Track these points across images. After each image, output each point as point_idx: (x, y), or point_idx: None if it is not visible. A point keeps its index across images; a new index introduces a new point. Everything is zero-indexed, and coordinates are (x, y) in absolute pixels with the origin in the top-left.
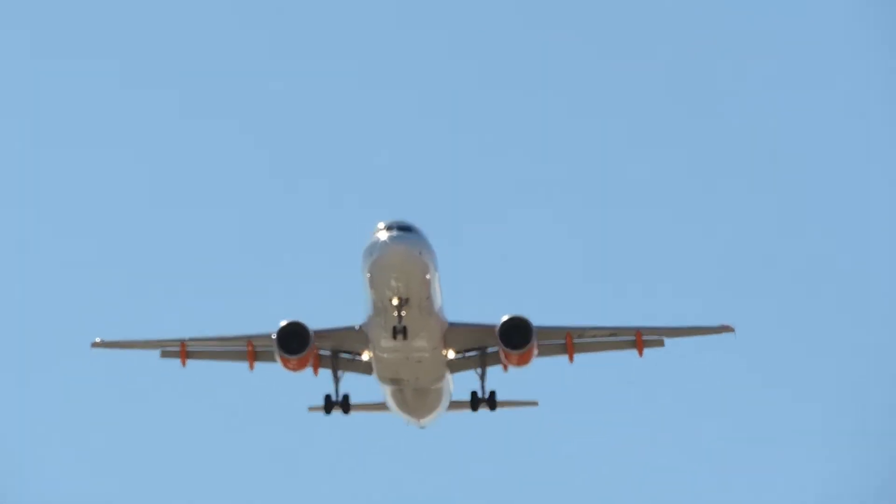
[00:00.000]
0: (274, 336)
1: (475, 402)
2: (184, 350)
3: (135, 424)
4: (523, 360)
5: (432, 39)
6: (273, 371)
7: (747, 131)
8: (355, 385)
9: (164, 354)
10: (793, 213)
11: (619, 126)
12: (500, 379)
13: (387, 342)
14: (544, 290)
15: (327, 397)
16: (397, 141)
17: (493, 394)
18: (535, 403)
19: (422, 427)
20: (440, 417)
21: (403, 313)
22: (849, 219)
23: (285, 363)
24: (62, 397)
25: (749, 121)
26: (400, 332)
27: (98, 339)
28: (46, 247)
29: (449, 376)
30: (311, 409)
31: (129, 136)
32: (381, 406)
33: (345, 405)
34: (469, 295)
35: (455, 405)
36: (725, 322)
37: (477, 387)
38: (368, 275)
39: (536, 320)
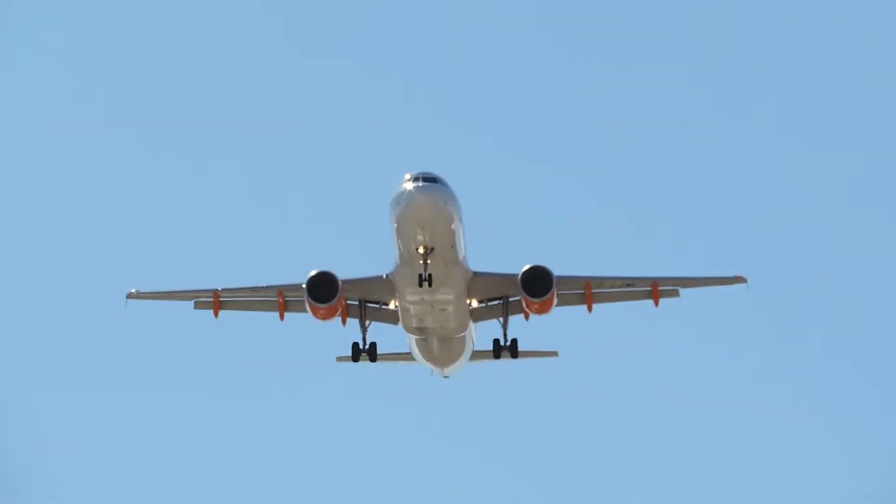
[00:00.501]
0: (304, 285)
1: (497, 350)
2: (216, 300)
3: (168, 376)
4: (544, 308)
5: None
6: (303, 321)
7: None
8: (382, 335)
9: (198, 305)
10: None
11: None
12: (522, 328)
13: (413, 290)
14: (565, 242)
15: (355, 345)
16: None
17: (514, 341)
18: (555, 354)
19: (446, 376)
20: (463, 367)
21: (429, 262)
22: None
23: (315, 312)
24: (98, 348)
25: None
26: (426, 279)
27: (133, 290)
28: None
29: (472, 326)
30: (339, 359)
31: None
32: (407, 356)
33: (371, 353)
34: (493, 247)
35: (477, 355)
36: (739, 273)
37: (498, 335)
38: (395, 224)
39: (557, 271)
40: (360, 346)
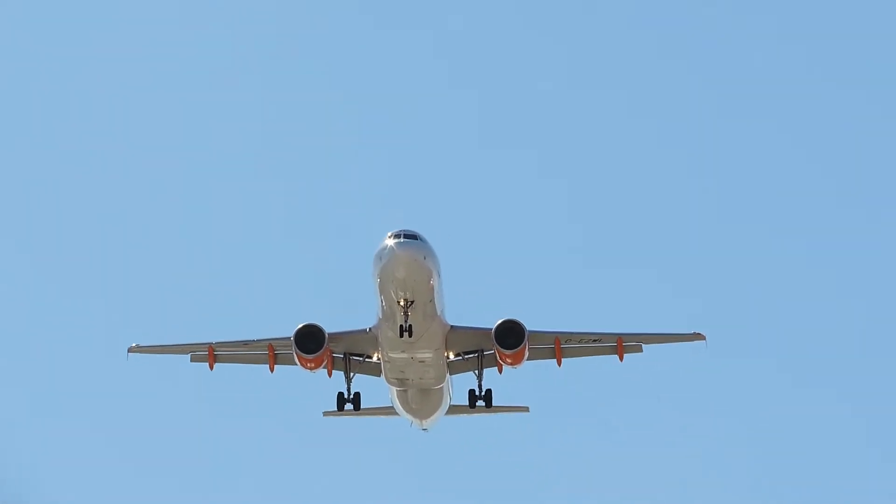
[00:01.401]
0: (292, 337)
1: (472, 400)
2: (211, 353)
3: (165, 425)
4: (516, 360)
5: None
6: (292, 375)
7: None
8: (365, 389)
9: (194, 359)
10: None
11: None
12: (496, 383)
13: (394, 342)
14: (536, 296)
15: (340, 395)
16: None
17: (489, 392)
18: (526, 409)
19: (425, 429)
20: (441, 420)
21: (409, 313)
22: None
23: (302, 362)
24: (96, 402)
25: None
26: (406, 330)
27: (134, 345)
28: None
29: (449, 379)
30: (326, 413)
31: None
32: (389, 410)
33: (356, 402)
34: (469, 301)
35: (454, 409)
36: (698, 330)
37: (474, 389)
38: (377, 279)
39: (529, 326)
40: (345, 396)
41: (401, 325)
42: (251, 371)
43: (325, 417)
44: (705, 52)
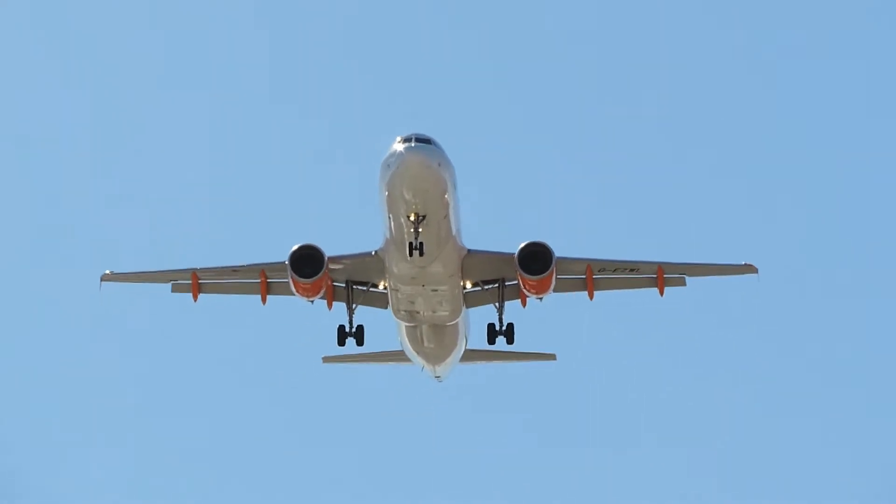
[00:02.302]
0: (287, 258)
1: (492, 335)
2: (195, 281)
3: (143, 361)
4: (542, 288)
5: None
6: (286, 307)
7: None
8: (371, 330)
9: (176, 288)
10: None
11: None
12: (519, 323)
13: (403, 266)
14: (567, 225)
15: (340, 328)
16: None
17: (510, 325)
18: (552, 357)
19: (438, 377)
20: (456, 367)
21: (420, 230)
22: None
23: (298, 287)
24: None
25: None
26: (416, 248)
27: (108, 272)
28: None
29: (466, 315)
30: (326, 359)
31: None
32: (398, 354)
33: (358, 336)
34: (490, 228)
35: (471, 355)
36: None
37: (493, 323)
38: (385, 189)
39: (557, 253)
40: (347, 330)
41: (410, 243)
42: (240, 304)
43: (325, 364)
44: None
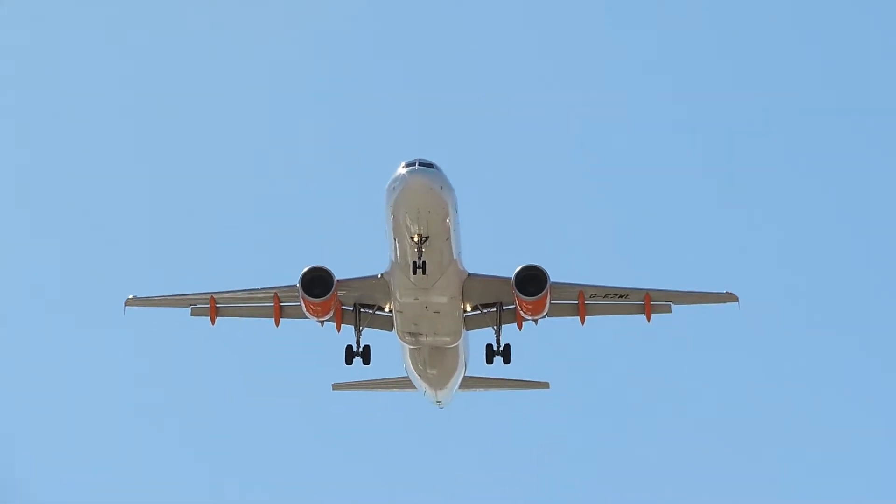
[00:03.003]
0: (298, 279)
1: (490, 355)
2: (213, 305)
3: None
4: (537, 310)
5: None
6: (299, 331)
7: None
8: (377, 356)
9: (195, 312)
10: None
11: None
12: (515, 348)
13: (407, 288)
14: (560, 254)
15: (348, 348)
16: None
17: (507, 346)
18: (546, 385)
19: (440, 405)
20: (456, 394)
21: (423, 250)
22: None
23: (309, 307)
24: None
25: None
26: (419, 267)
27: (132, 296)
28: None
29: (465, 339)
30: (336, 386)
31: None
32: (402, 381)
33: (365, 356)
34: (486, 252)
35: (470, 383)
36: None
37: (492, 344)
38: (390, 211)
39: (551, 278)
40: (354, 350)
41: (414, 262)
42: (256, 329)
43: (334, 391)
44: None
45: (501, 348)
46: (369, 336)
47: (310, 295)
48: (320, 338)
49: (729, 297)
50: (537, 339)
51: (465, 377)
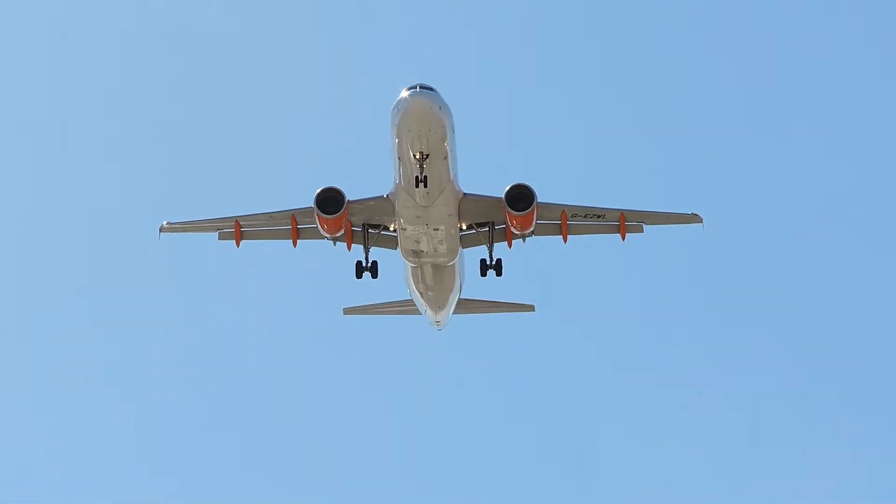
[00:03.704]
0: (314, 198)
1: (484, 268)
2: (238, 229)
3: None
4: (525, 224)
5: None
6: (314, 255)
7: None
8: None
9: (222, 236)
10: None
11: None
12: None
13: (410, 207)
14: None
15: (358, 263)
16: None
17: (499, 261)
18: (531, 308)
19: (439, 327)
20: (452, 317)
21: (424, 166)
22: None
23: (322, 223)
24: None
25: None
26: (421, 181)
27: (165, 223)
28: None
29: (461, 258)
30: (347, 311)
31: None
32: (406, 304)
33: (373, 270)
34: (478, 173)
35: (465, 305)
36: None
37: (485, 259)
38: (394, 133)
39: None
40: (363, 265)
41: (416, 177)
42: (276, 252)
43: (345, 316)
44: None
45: (494, 262)
46: (376, 255)
47: (324, 213)
48: (333, 259)
49: (694, 218)
50: (523, 264)
51: (460, 299)
